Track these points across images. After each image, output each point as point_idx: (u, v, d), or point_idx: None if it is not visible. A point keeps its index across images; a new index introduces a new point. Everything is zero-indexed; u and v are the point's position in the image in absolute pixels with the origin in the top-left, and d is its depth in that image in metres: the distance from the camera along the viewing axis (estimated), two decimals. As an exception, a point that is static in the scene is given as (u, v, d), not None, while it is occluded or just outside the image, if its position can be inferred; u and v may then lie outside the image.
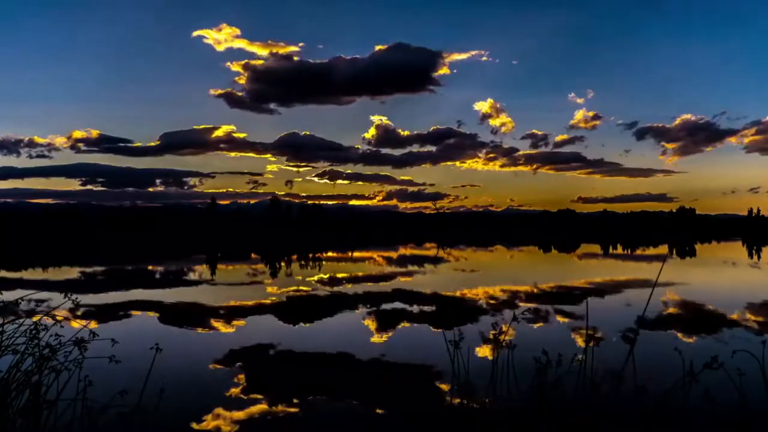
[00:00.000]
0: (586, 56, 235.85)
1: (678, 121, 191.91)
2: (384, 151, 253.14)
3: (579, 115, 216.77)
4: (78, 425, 4.57)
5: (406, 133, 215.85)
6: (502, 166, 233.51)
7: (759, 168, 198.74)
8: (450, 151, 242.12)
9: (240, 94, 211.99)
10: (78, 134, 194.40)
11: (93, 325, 9.67)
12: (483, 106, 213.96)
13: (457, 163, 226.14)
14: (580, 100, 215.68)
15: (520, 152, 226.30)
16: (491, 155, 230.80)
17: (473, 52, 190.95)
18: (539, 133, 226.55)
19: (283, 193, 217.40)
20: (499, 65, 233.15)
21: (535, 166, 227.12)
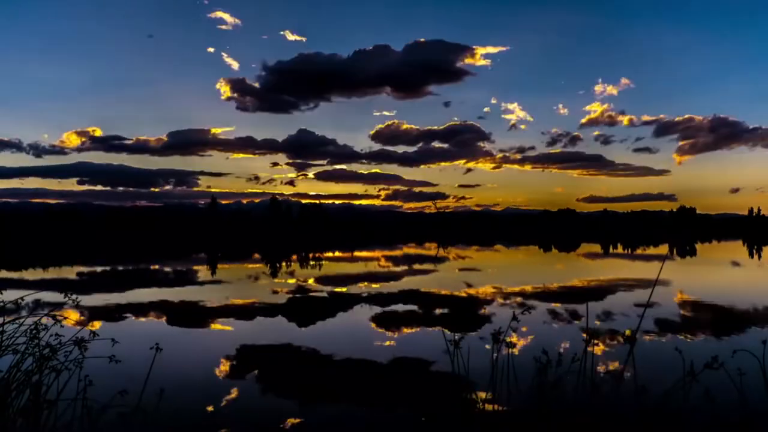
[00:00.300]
0: (604, 54, 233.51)
1: (701, 118, 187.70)
2: (393, 148, 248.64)
3: (597, 113, 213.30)
4: (78, 425, 4.57)
5: (417, 129, 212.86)
6: (512, 164, 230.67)
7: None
8: (461, 149, 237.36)
9: (255, 85, 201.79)
10: (80, 133, 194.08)
11: (94, 325, 9.69)
12: (498, 104, 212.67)
13: (463, 162, 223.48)
14: (605, 94, 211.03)
15: (534, 152, 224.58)
16: (502, 154, 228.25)
17: (492, 50, 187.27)
18: (555, 131, 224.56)
19: (291, 192, 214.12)
20: (517, 63, 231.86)
21: (547, 165, 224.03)
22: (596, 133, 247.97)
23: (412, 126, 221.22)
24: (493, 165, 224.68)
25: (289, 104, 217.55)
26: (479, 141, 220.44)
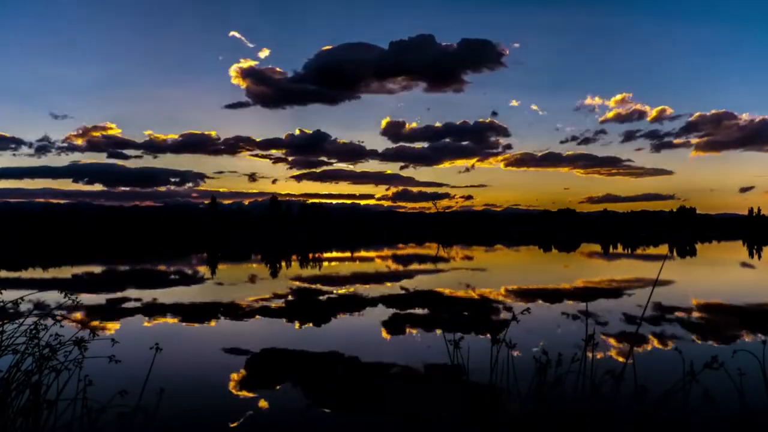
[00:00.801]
0: (625, 52, 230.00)
1: (723, 119, 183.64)
2: (398, 147, 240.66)
3: (617, 111, 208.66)
4: (78, 425, 4.57)
5: (431, 127, 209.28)
6: (526, 163, 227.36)
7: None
8: (477, 146, 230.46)
9: (274, 78, 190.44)
10: (83, 132, 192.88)
11: (94, 324, 9.69)
12: (518, 101, 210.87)
13: (476, 160, 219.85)
14: (625, 91, 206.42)
15: (551, 150, 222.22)
16: (519, 152, 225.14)
17: (514, 47, 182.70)
18: (573, 129, 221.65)
19: (298, 193, 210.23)
20: (529, 62, 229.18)
21: (564, 164, 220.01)
22: (616, 131, 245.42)
23: (423, 124, 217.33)
24: (507, 163, 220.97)
25: (310, 99, 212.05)
26: (495, 139, 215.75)
